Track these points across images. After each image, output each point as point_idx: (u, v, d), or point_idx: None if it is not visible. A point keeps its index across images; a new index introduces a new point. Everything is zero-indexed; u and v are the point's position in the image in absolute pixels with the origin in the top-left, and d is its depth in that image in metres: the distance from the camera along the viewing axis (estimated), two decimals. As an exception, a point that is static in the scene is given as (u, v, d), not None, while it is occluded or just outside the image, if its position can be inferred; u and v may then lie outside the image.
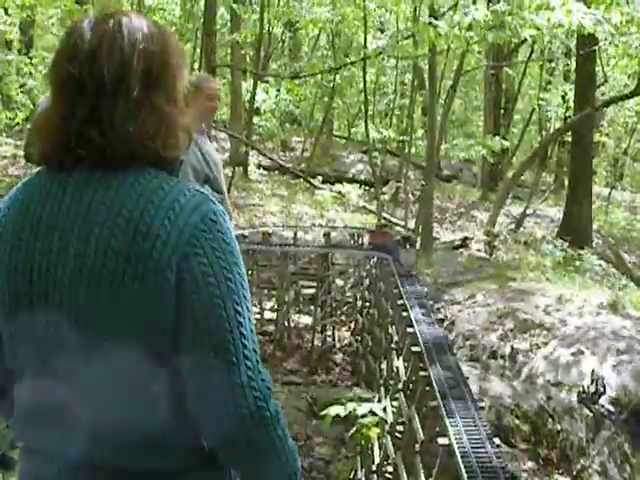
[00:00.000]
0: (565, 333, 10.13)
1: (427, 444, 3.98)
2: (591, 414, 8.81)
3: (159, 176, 1.98)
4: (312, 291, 10.52)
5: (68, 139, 1.97)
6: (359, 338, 9.19)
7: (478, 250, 16.29)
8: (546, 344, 10.05)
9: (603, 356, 9.56)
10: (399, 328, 5.94)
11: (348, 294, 10.13)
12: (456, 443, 3.47)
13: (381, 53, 10.10)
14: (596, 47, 15.98)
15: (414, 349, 4.99)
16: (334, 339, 9.32)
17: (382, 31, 23.59)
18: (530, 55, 21.22)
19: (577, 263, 14.76)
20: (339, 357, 9.04)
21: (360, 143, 26.86)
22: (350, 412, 5.01)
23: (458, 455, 3.33)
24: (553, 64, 22.48)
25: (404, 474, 4.25)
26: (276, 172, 22.81)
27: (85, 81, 1.97)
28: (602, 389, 9.08)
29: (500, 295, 11.73)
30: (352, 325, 9.70)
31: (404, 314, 5.83)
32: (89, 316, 1.92)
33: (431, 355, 4.75)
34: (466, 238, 16.95)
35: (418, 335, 5.12)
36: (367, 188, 21.45)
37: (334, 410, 5.00)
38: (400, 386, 4.99)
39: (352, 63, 13.27)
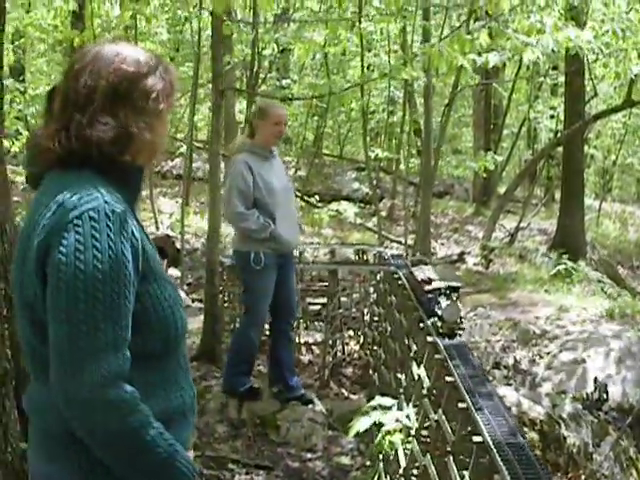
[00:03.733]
0: (567, 342, 10.36)
1: (459, 444, 4.20)
2: (596, 420, 9.04)
3: (83, 179, 2.33)
4: (317, 307, 10.72)
5: (47, 144, 2.37)
6: (369, 352, 9.38)
7: (475, 264, 16.54)
8: (548, 353, 10.29)
9: (605, 363, 9.80)
10: (417, 338, 6.14)
11: (354, 309, 10.32)
12: (490, 439, 3.69)
13: (386, 75, 10.35)
14: (585, 63, 16.32)
15: (437, 357, 5.21)
16: (344, 353, 9.51)
17: (369, 50, 23.81)
18: (518, 71, 21.53)
19: (573, 274, 15.00)
20: (349, 371, 9.23)
21: (352, 162, 27.10)
22: (375, 422, 5.20)
23: (494, 450, 3.55)
24: (541, 79, 22.76)
25: (435, 475, 4.46)
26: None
27: (69, 94, 2.39)
28: (605, 396, 9.32)
29: (500, 307, 11.97)
30: (361, 339, 9.88)
31: (421, 325, 6.04)
32: (14, 285, 2.41)
33: (454, 360, 4.97)
34: (463, 252, 17.22)
35: (439, 343, 5.33)
36: (362, 206, 21.67)
37: (362, 423, 5.17)
38: (424, 392, 5.20)
39: (351, 87, 13.46)
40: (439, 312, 5.75)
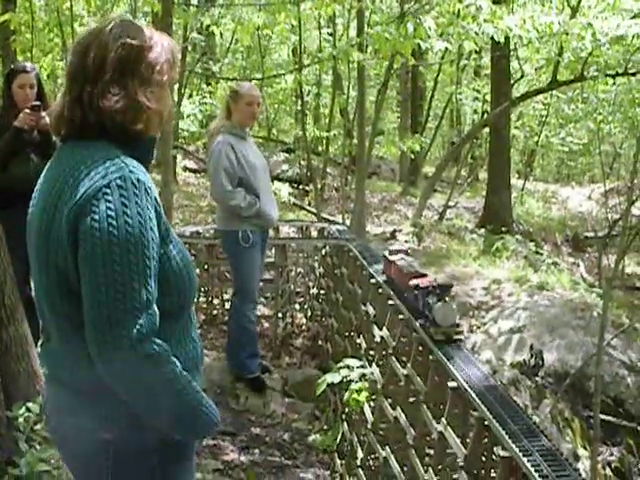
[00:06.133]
0: (503, 312, 10.81)
1: (431, 394, 4.52)
2: (533, 385, 9.49)
3: (103, 148, 2.50)
4: (260, 284, 10.94)
5: (62, 116, 2.55)
6: (317, 323, 9.68)
7: (406, 241, 16.92)
8: (486, 323, 10.72)
9: (540, 332, 10.26)
10: (376, 303, 6.42)
11: (299, 283, 10.59)
12: (465, 383, 4.01)
13: (335, 57, 10.57)
14: (512, 46, 16.81)
15: (400, 317, 5.50)
16: (292, 325, 9.80)
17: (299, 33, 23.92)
18: (444, 54, 21.93)
19: (501, 250, 15.47)
20: (299, 342, 9.53)
21: (281, 143, 27.26)
22: (344, 379, 5.49)
23: (472, 393, 3.88)
24: (465, 61, 23.24)
25: (407, 424, 4.78)
26: (202, 174, 23.11)
27: (78, 69, 2.54)
28: (541, 362, 9.77)
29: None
30: (308, 312, 10.17)
31: (380, 291, 6.30)
32: (38, 251, 2.54)
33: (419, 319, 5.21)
34: (395, 230, 17.59)
35: (400, 305, 5.60)
36: (294, 186, 21.92)
37: (329, 377, 5.45)
38: (390, 351, 5.49)
39: (293, 70, 13.68)
40: (430, 315, 4.81)
